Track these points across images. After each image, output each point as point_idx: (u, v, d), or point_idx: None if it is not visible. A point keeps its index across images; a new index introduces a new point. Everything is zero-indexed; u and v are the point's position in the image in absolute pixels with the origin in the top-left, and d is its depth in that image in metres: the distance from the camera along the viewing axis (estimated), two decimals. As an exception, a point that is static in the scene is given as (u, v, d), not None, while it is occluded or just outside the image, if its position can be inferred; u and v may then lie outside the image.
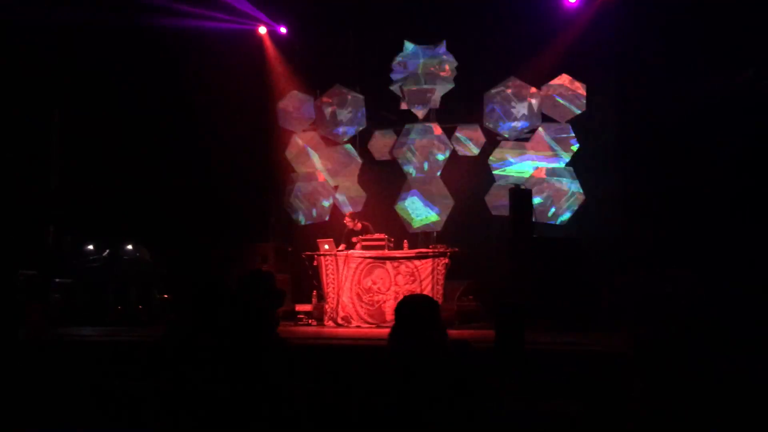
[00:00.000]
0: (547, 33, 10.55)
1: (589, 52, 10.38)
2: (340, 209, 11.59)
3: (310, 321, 10.00)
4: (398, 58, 11.42)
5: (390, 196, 11.35)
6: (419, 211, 11.17)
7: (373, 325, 9.32)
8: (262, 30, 12.02)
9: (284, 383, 3.20)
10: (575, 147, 10.64)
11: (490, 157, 11.00)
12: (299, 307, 10.29)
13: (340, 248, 9.87)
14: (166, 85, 11.18)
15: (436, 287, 9.19)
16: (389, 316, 9.26)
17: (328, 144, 11.92)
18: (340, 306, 9.60)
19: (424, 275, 9.26)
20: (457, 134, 11.24)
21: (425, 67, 11.34)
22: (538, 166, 10.83)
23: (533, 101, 10.81)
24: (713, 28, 9.07)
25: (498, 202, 10.75)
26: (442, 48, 11.29)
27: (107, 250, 10.14)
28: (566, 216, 10.59)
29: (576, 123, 10.66)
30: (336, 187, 11.79)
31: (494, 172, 10.97)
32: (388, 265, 9.46)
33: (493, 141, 11.06)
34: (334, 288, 9.68)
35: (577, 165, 10.64)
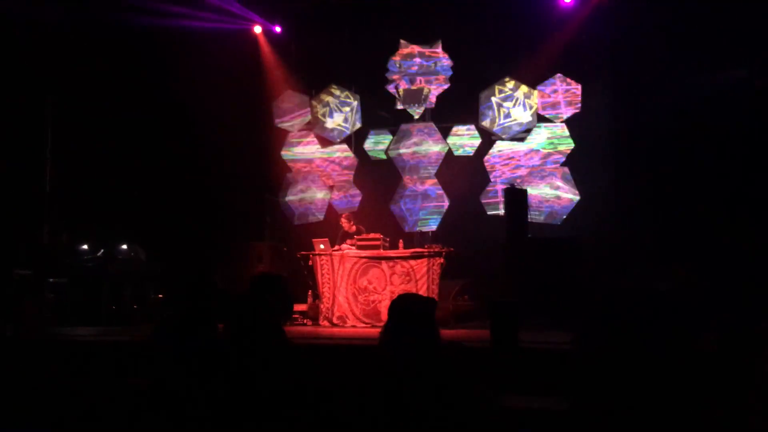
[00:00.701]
0: (543, 33, 10.57)
1: (584, 52, 10.40)
2: (335, 209, 11.59)
3: (305, 321, 9.99)
4: (394, 58, 11.43)
5: (385, 195, 11.35)
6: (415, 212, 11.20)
7: (369, 325, 9.31)
8: (257, 29, 12.01)
9: (291, 385, 3.20)
10: (570, 146, 10.66)
11: (486, 157, 11.01)
12: (295, 307, 10.27)
13: (335, 249, 9.86)
14: (161, 84, 11.15)
15: (432, 287, 9.18)
16: (385, 315, 9.18)
17: (323, 143, 11.92)
18: (335, 306, 9.59)
19: (419, 275, 9.25)
20: (453, 134, 11.25)
21: (421, 67, 11.34)
22: (533, 166, 10.84)
23: (528, 101, 10.82)
24: (707, 28, 9.10)
25: (493, 201, 10.77)
26: (438, 48, 11.31)
27: (102, 250, 10.11)
28: (561, 216, 10.60)
29: (571, 122, 10.68)
30: (331, 187, 11.79)
31: (489, 172, 10.98)
32: (384, 264, 9.46)
33: (488, 140, 11.08)
34: (329, 288, 9.67)
35: (571, 164, 10.66)
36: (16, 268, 9.33)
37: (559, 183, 10.68)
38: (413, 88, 11.34)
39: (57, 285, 9.86)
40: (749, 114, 9.08)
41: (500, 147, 11.02)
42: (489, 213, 10.83)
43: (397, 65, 11.44)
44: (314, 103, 11.89)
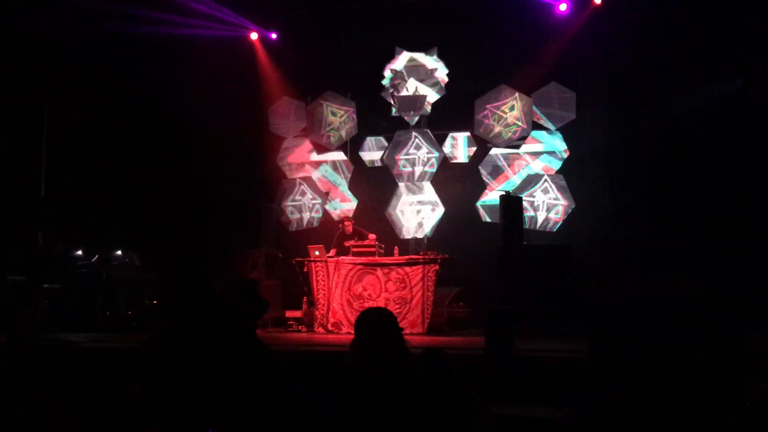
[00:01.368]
0: (538, 41, 10.62)
1: (579, 61, 10.45)
2: (330, 216, 11.60)
3: (300, 327, 9.98)
4: (390, 65, 11.46)
5: (381, 202, 11.36)
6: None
7: (364, 332, 9.29)
8: (254, 36, 12.03)
9: (266, 386, 3.21)
10: (565, 154, 10.69)
11: (481, 164, 11.03)
12: (289, 314, 10.27)
13: (331, 253, 9.86)
14: (157, 91, 11.15)
15: (427, 294, 9.19)
16: (379, 322, 9.24)
17: (319, 150, 11.93)
18: (330, 312, 9.59)
19: (414, 282, 9.26)
20: (448, 141, 11.27)
21: (417, 74, 11.37)
22: (528, 173, 10.87)
23: (524, 108, 10.85)
24: (701, 38, 9.14)
25: (488, 208, 10.79)
26: (434, 55, 11.34)
27: (96, 256, 10.09)
28: (556, 223, 10.63)
29: (566, 130, 10.71)
30: (327, 193, 11.80)
31: (485, 179, 11.00)
32: (379, 271, 9.46)
33: (484, 148, 11.10)
34: (324, 294, 9.67)
35: (567, 172, 10.68)
36: (10, 274, 9.29)
37: (554, 191, 10.70)
38: (409, 95, 11.36)
39: (51, 291, 9.83)
40: (743, 124, 9.12)
41: (495, 154, 11.04)
42: (484, 220, 10.84)
43: (393, 72, 11.47)
44: (310, 109, 11.90)
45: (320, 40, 11.58)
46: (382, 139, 11.64)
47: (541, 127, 10.86)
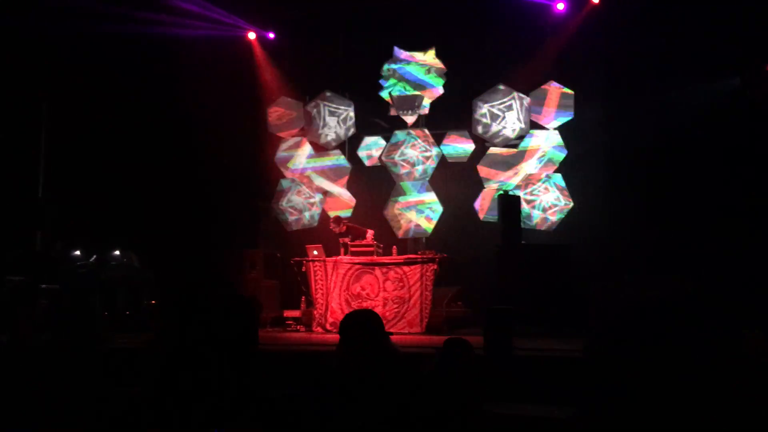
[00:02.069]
0: (536, 40, 10.62)
1: (577, 60, 10.45)
2: (329, 215, 11.60)
3: (298, 327, 9.99)
4: (388, 64, 11.46)
5: (379, 201, 11.36)
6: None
7: (362, 331, 9.29)
8: (252, 36, 12.02)
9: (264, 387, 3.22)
10: (564, 153, 10.70)
11: (479, 163, 11.04)
12: (288, 313, 10.28)
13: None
14: (155, 91, 11.15)
15: (425, 293, 9.20)
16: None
17: (317, 150, 11.94)
18: (328, 312, 9.60)
19: (412, 281, 9.27)
20: (446, 140, 11.28)
21: (415, 73, 11.38)
22: (526, 173, 10.88)
23: (522, 108, 10.86)
24: (701, 36, 9.16)
25: (487, 208, 10.80)
26: (432, 54, 11.34)
27: (95, 256, 10.08)
28: (554, 222, 10.64)
29: (564, 130, 10.72)
30: (325, 193, 11.80)
31: (483, 178, 11.01)
32: (377, 271, 9.47)
33: (481, 147, 11.11)
34: (322, 294, 9.68)
35: (565, 171, 10.69)
36: (8, 274, 9.28)
37: (553, 190, 10.71)
38: (407, 94, 11.37)
39: (49, 291, 9.81)
40: (741, 123, 9.14)
41: (493, 153, 11.05)
42: (483, 219, 10.85)
43: (391, 72, 11.47)
44: (308, 109, 11.90)
45: (318, 39, 11.57)
46: (380, 138, 11.64)
47: (539, 127, 10.87)
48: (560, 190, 10.65)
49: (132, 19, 10.32)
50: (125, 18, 10.24)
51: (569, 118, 10.65)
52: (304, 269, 9.86)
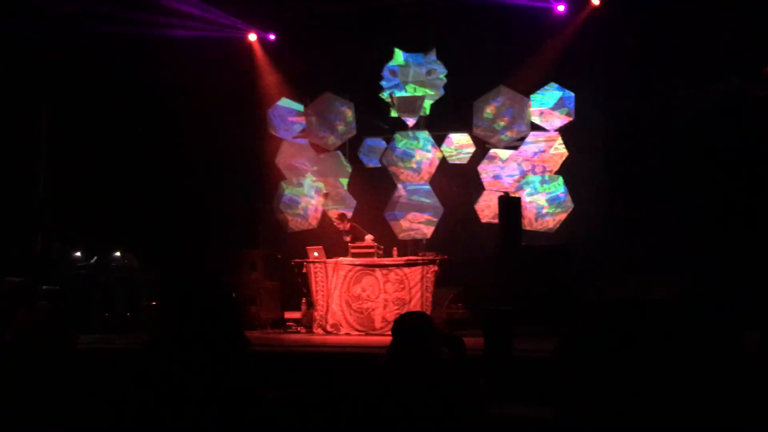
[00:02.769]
0: (536, 41, 10.62)
1: (577, 61, 10.45)
2: (329, 217, 11.60)
3: (299, 328, 9.98)
4: (388, 66, 11.46)
5: (380, 203, 11.36)
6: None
7: (362, 333, 9.31)
8: (252, 37, 12.02)
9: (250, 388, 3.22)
10: (564, 155, 10.69)
11: (480, 165, 11.04)
12: (288, 315, 10.27)
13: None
14: (155, 92, 11.15)
15: (426, 295, 9.19)
16: (378, 323, 9.25)
17: (317, 151, 11.93)
18: (329, 313, 9.59)
19: (413, 283, 9.26)
20: (447, 142, 11.27)
21: (415, 75, 11.38)
22: (527, 174, 10.87)
23: (522, 109, 10.86)
24: (700, 37, 9.16)
25: (487, 209, 10.79)
26: (432, 56, 11.34)
27: (95, 257, 10.09)
28: (554, 224, 10.63)
29: (564, 131, 10.72)
30: (326, 194, 11.79)
31: (483, 180, 11.00)
32: (378, 272, 9.46)
33: (482, 149, 11.10)
34: (323, 295, 9.67)
35: (565, 173, 10.69)
36: (8, 275, 9.28)
37: (553, 191, 10.70)
38: (407, 95, 11.36)
39: (50, 292, 9.81)
40: (741, 123, 9.13)
41: (494, 155, 11.04)
42: (483, 221, 10.84)
43: (392, 73, 11.47)
44: (308, 110, 11.90)
45: (319, 41, 11.56)
46: (380, 140, 11.63)
47: (539, 128, 10.86)
48: (560, 191, 10.64)
49: (132, 21, 10.33)
50: (125, 20, 10.24)
51: (569, 119, 10.65)
52: (304, 270, 9.85)
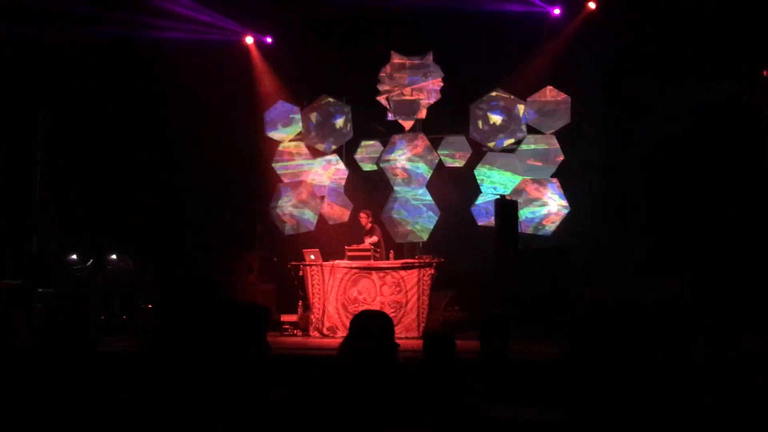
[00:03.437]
0: (533, 45, 10.65)
1: (574, 64, 10.48)
2: (326, 220, 11.60)
3: (295, 331, 9.97)
4: (385, 69, 11.47)
5: (376, 206, 11.35)
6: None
7: (359, 336, 9.28)
8: (249, 40, 12.02)
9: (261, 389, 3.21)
10: (560, 158, 10.71)
11: (476, 168, 11.05)
12: (285, 317, 10.25)
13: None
14: (152, 95, 11.15)
15: (422, 297, 9.18)
16: (374, 326, 9.23)
17: (314, 154, 11.93)
18: (325, 316, 9.58)
19: (409, 286, 9.25)
20: (444, 145, 11.29)
21: (412, 78, 11.39)
22: (523, 177, 10.89)
23: (519, 113, 10.88)
24: (697, 41, 9.19)
25: (483, 212, 10.80)
26: (429, 59, 11.36)
27: (91, 260, 10.06)
28: (551, 227, 10.65)
29: (561, 134, 10.74)
30: (322, 198, 11.79)
31: (480, 183, 11.01)
32: (374, 275, 9.46)
33: (479, 152, 11.12)
34: (319, 298, 9.66)
35: (562, 176, 10.71)
36: (4, 278, 9.26)
37: (549, 194, 10.73)
38: (404, 99, 11.38)
39: (46, 295, 9.78)
40: (737, 127, 9.16)
41: (491, 158, 11.06)
42: (479, 224, 10.86)
43: (389, 76, 11.48)
44: (305, 113, 11.90)
45: (316, 43, 11.57)
46: (377, 142, 11.64)
47: (536, 131, 10.88)
48: (557, 194, 10.66)
49: (129, 23, 10.33)
50: (122, 22, 10.24)
51: (566, 122, 10.67)
52: (301, 273, 9.84)
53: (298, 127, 11.98)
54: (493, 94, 11.00)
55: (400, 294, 9.29)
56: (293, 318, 10.10)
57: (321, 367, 3.35)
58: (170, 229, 11.06)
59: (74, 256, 10.26)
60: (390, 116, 11.46)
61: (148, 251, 10.60)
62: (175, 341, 3.27)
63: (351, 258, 9.67)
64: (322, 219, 11.66)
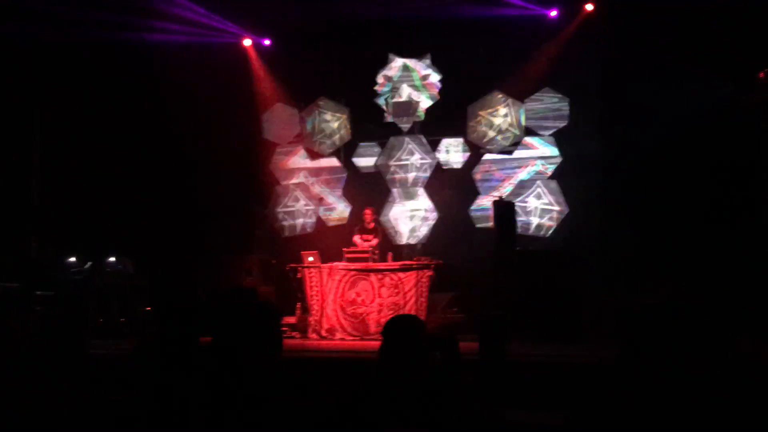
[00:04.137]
0: (530, 46, 10.67)
1: (571, 66, 10.48)
2: (324, 222, 11.60)
3: (293, 334, 9.95)
4: (383, 71, 11.48)
5: (374, 208, 11.34)
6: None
7: (357, 338, 9.29)
8: (247, 42, 12.02)
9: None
10: (558, 160, 10.72)
11: (474, 170, 11.05)
12: (283, 320, 10.24)
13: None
14: (149, 97, 11.14)
15: (420, 299, 9.18)
16: (373, 328, 9.24)
17: (313, 156, 11.93)
18: (324, 318, 9.57)
19: (408, 287, 9.25)
20: (442, 147, 11.29)
21: (410, 80, 11.39)
22: (521, 179, 10.89)
23: (516, 114, 10.89)
24: (694, 43, 9.20)
25: (482, 214, 10.80)
26: (427, 61, 11.37)
27: (89, 263, 10.05)
28: (550, 228, 10.65)
29: (559, 136, 10.75)
30: (321, 200, 11.79)
31: (478, 185, 11.02)
32: (372, 277, 9.45)
33: (476, 153, 11.12)
34: (318, 300, 9.66)
35: (560, 177, 10.71)
36: (2, 281, 9.25)
37: (548, 196, 10.73)
38: (402, 101, 11.38)
39: (44, 298, 9.77)
40: (735, 130, 9.17)
41: (488, 160, 11.06)
42: (478, 226, 10.86)
43: (387, 78, 11.49)
44: (303, 115, 11.90)
45: (314, 45, 11.57)
46: (375, 145, 11.64)
47: (534, 133, 10.90)
48: (555, 195, 10.67)
49: (126, 25, 10.32)
50: (119, 25, 10.23)
51: (564, 124, 10.68)
52: (299, 276, 9.84)
53: (296, 129, 11.98)
54: (491, 95, 11.00)
55: (398, 296, 9.29)
56: (292, 320, 10.09)
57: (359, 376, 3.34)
58: (168, 232, 11.03)
59: (72, 259, 10.25)
60: (388, 118, 11.46)
61: (146, 254, 10.60)
62: (171, 344, 3.27)
63: (349, 260, 9.67)
64: (320, 221, 11.66)
